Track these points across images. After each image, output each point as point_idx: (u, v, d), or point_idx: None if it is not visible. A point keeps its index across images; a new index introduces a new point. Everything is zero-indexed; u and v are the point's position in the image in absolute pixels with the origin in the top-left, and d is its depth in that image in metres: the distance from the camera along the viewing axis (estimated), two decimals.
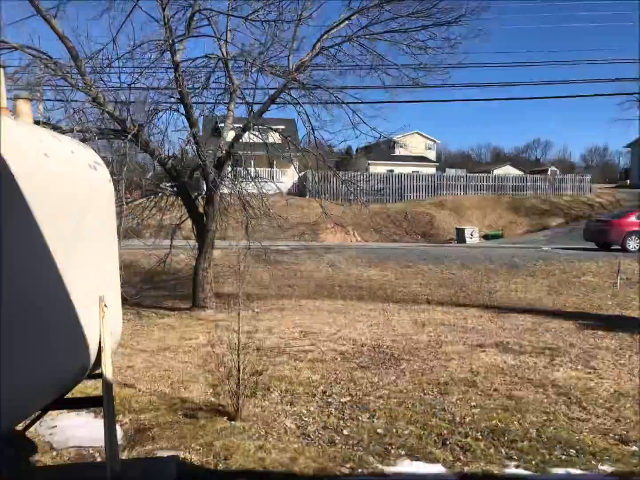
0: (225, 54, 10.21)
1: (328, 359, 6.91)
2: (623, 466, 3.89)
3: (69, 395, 2.48)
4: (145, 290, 12.80)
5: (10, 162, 1.82)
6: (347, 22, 9.90)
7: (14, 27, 9.04)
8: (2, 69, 2.41)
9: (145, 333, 8.41)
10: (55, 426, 4.41)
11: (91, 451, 3.93)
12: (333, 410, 4.98)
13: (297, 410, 4.92)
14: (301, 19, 9.89)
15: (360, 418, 4.79)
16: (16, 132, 1.96)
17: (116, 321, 2.76)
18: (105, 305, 2.46)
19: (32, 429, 3.65)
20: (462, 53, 9.86)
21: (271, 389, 5.52)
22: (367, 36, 10.13)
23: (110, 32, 9.00)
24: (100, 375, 2.43)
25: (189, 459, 3.71)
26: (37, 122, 7.75)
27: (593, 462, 3.96)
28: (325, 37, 10.10)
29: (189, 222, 11.46)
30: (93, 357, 2.41)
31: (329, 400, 5.28)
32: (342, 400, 5.27)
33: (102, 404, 2.37)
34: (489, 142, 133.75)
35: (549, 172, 54.94)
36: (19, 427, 2.44)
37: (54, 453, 3.89)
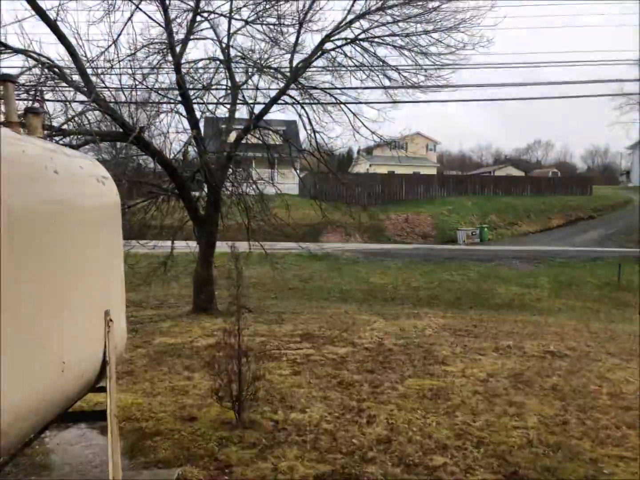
0: (226, 56, 10.22)
1: (329, 362, 6.91)
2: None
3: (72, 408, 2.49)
4: (146, 293, 12.80)
5: (20, 180, 1.84)
6: (349, 26, 9.90)
7: (12, 29, 9.01)
8: (10, 84, 2.41)
9: (145, 337, 8.41)
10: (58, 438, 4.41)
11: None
12: (333, 415, 4.98)
13: (296, 416, 4.91)
14: (302, 22, 9.90)
15: (360, 423, 4.79)
16: (28, 149, 1.98)
17: (121, 334, 2.77)
18: (110, 320, 2.48)
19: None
20: (464, 57, 9.83)
21: (272, 394, 5.51)
22: (368, 39, 10.14)
23: (112, 35, 9.01)
24: (104, 389, 2.43)
25: (190, 471, 3.71)
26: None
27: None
28: (326, 40, 10.10)
29: (190, 224, 11.46)
30: (97, 371, 2.42)
31: (329, 404, 5.28)
32: (342, 405, 5.27)
33: (105, 417, 2.38)
34: (490, 144, 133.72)
35: (550, 174, 54.91)
36: None
37: (56, 468, 3.89)
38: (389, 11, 9.61)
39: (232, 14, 10.00)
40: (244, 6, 9.99)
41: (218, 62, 10.41)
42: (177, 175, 10.15)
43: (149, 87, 9.48)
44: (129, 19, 9.27)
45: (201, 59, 10.32)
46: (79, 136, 8.65)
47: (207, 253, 10.79)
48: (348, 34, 10.23)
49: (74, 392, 2.23)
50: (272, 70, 10.27)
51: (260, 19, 9.85)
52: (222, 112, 11.36)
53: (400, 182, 35.74)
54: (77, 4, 9.21)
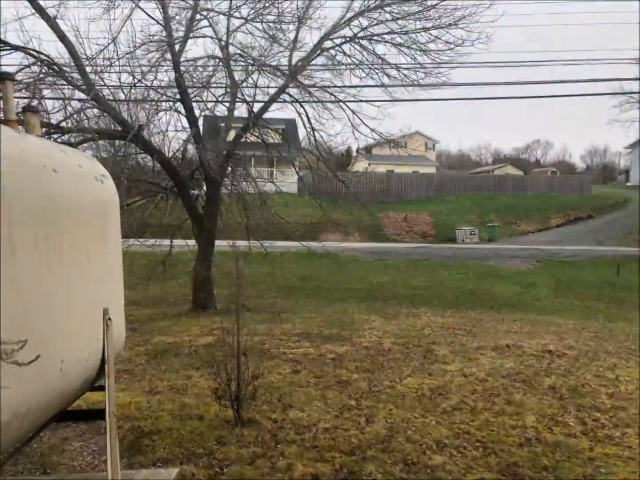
0: (226, 54, 10.20)
1: (327, 361, 6.91)
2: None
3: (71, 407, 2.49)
4: (144, 291, 12.78)
5: (19, 179, 1.84)
6: (347, 24, 9.89)
7: (12, 27, 9.00)
8: (10, 82, 2.41)
9: (144, 336, 8.41)
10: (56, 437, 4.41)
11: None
12: (331, 414, 4.98)
13: (295, 415, 4.92)
14: (301, 20, 9.88)
15: (359, 422, 4.79)
16: (26, 148, 1.97)
17: (120, 333, 2.77)
18: (109, 318, 2.47)
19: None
20: (463, 54, 9.83)
21: (270, 393, 5.51)
22: (367, 37, 10.13)
23: (111, 32, 9.00)
24: (103, 388, 2.43)
25: (189, 469, 3.71)
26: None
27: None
28: (325, 38, 10.10)
29: (189, 223, 11.45)
30: (96, 369, 2.42)
31: (328, 403, 5.28)
32: (340, 403, 5.27)
33: (104, 416, 2.37)
34: (489, 143, 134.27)
35: (549, 173, 54.95)
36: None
37: (54, 467, 3.89)
38: (388, 9, 9.60)
39: (232, 12, 9.99)
40: (244, 4, 9.97)
41: (217, 60, 10.39)
42: (176, 173, 10.15)
43: (148, 85, 9.45)
44: (128, 16, 9.25)
45: (200, 57, 10.30)
46: (78, 134, 8.64)
47: (206, 252, 10.79)
48: (347, 32, 10.23)
49: (72, 391, 2.23)
50: (271, 68, 10.25)
51: (260, 17, 9.84)
52: (222, 110, 11.35)
53: (399, 181, 35.75)
54: (77, 2, 9.16)
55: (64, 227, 2.17)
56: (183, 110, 10.21)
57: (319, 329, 9.07)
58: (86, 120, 9.00)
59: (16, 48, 8.45)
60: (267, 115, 11.35)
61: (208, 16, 10.00)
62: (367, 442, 4.33)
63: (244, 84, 10.50)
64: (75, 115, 8.63)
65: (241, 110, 11.36)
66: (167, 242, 11.51)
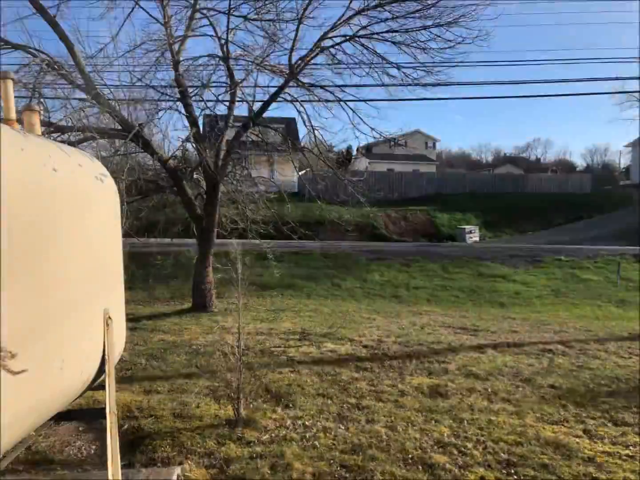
0: (225, 53, 10.19)
1: (328, 360, 6.92)
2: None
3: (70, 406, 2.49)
4: (144, 290, 12.79)
5: (19, 178, 1.84)
6: (347, 22, 9.88)
7: (13, 26, 9.02)
8: (9, 81, 2.40)
9: (144, 335, 8.41)
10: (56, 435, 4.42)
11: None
12: (332, 413, 4.98)
13: (296, 414, 4.92)
14: (301, 18, 9.86)
15: (359, 421, 4.79)
16: (25, 147, 1.97)
17: (120, 332, 2.77)
18: (109, 318, 2.47)
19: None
20: (463, 53, 9.80)
21: (271, 392, 5.52)
22: (367, 36, 10.11)
23: (111, 31, 9.00)
24: (103, 387, 2.43)
25: (190, 469, 3.71)
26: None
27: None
28: (325, 37, 10.08)
29: (189, 222, 11.46)
30: (97, 369, 2.42)
31: (329, 402, 5.28)
32: (341, 402, 5.27)
33: (104, 415, 2.37)
34: (489, 142, 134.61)
35: (549, 172, 54.96)
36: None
37: (54, 466, 3.89)
38: (388, 7, 9.58)
39: (231, 10, 9.97)
40: (243, 2, 9.95)
41: (217, 58, 10.38)
42: (175, 173, 10.15)
43: (148, 84, 9.45)
44: (128, 15, 9.26)
45: (200, 56, 10.29)
46: (78, 133, 8.63)
47: (206, 251, 10.79)
48: (347, 30, 10.20)
49: (73, 390, 2.23)
50: (271, 67, 10.24)
51: (259, 15, 9.83)
52: (222, 109, 11.34)
53: (400, 180, 35.75)
54: (78, 1, 9.19)
55: (64, 226, 2.17)
56: (183, 110, 10.20)
57: (319, 328, 9.07)
58: (86, 119, 8.99)
59: (16, 47, 8.45)
60: (267, 114, 11.34)
61: (208, 15, 9.99)
62: (368, 441, 4.34)
63: (244, 83, 10.50)
64: (75, 114, 8.63)
65: (242, 109, 11.37)
66: (167, 241, 11.52)
